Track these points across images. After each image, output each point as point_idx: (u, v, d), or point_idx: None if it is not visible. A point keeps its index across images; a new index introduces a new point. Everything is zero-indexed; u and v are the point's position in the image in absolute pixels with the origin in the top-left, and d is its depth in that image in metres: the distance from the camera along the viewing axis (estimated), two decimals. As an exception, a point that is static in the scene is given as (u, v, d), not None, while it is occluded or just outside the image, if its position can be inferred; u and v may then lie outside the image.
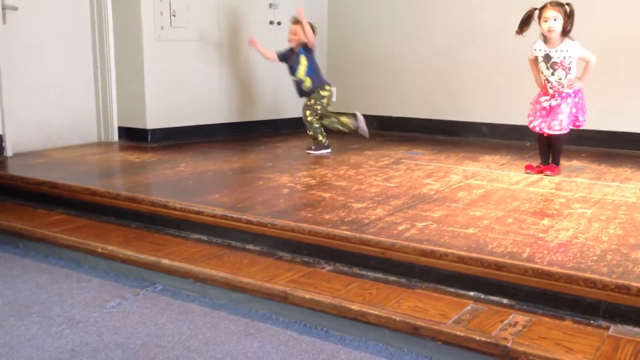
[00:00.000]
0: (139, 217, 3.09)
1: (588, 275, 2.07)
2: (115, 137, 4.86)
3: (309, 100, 4.51)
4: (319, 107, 4.49)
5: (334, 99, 6.26)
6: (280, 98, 5.77)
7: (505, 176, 3.75)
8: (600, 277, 2.05)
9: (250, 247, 2.74)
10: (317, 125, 4.53)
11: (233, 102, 5.31)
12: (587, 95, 5.04)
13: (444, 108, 5.62)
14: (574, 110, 3.67)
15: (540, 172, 3.81)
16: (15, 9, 4.20)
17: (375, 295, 2.23)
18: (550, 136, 3.74)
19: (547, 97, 3.71)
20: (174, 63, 4.84)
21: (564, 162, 4.27)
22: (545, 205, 3.02)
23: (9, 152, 4.15)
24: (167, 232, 2.97)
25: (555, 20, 3.52)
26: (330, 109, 4.61)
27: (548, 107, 3.71)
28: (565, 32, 3.57)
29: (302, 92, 4.53)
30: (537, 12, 3.58)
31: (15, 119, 4.22)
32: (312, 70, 4.45)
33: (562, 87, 3.65)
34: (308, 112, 4.50)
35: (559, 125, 3.66)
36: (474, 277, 2.24)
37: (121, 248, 2.74)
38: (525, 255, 2.27)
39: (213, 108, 5.12)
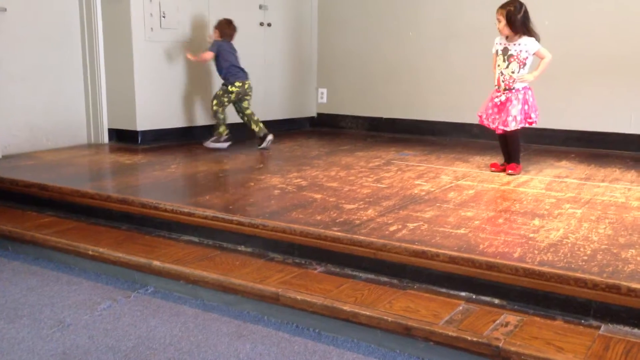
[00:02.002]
0: (129, 219, 3.08)
1: (579, 275, 2.08)
2: (106, 139, 4.84)
3: (219, 91, 4.70)
4: (226, 99, 4.67)
5: (323, 100, 6.27)
6: (270, 100, 5.77)
7: (496, 177, 3.76)
8: (590, 276, 2.06)
9: (241, 248, 2.74)
10: (221, 116, 4.72)
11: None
12: (577, 95, 5.08)
13: (434, 109, 5.64)
14: (525, 107, 3.74)
15: (503, 170, 3.88)
16: (4, 10, 4.17)
17: (367, 296, 2.23)
18: (505, 133, 3.80)
19: (499, 93, 3.78)
20: (164, 64, 4.82)
21: (553, 162, 4.30)
22: (535, 206, 3.04)
23: (-3, 154, 4.12)
24: (158, 234, 2.95)
25: (499, 21, 3.70)
26: (251, 107, 4.82)
27: (499, 103, 3.78)
28: (518, 30, 3.68)
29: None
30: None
31: (4, 121, 4.19)
32: (220, 69, 4.68)
33: (513, 81, 3.72)
34: (215, 102, 4.69)
35: (514, 122, 3.72)
36: (465, 277, 2.25)
37: (112, 250, 2.72)
38: (516, 255, 2.28)
39: (203, 110, 5.10)
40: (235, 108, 4.77)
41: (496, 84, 3.81)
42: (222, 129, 4.71)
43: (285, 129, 5.91)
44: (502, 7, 3.72)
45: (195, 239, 2.86)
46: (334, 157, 4.39)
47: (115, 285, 2.63)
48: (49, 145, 4.57)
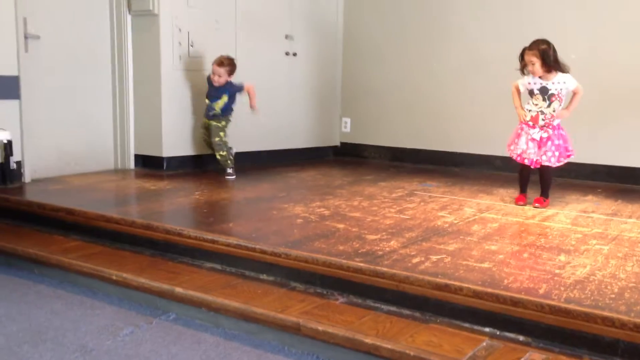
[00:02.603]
0: (153, 245, 3.11)
1: (606, 313, 2.04)
2: (132, 165, 4.91)
3: (220, 122, 4.70)
4: (227, 131, 4.73)
5: (347, 129, 6.31)
6: (293, 128, 5.82)
7: (520, 210, 3.73)
8: (618, 315, 2.02)
9: (263, 277, 2.74)
10: (230, 146, 4.73)
11: (247, 131, 5.35)
12: (603, 128, 5.05)
13: (458, 140, 5.63)
14: (561, 142, 3.75)
15: (523, 201, 3.88)
16: (38, 37, 4.29)
17: (389, 329, 2.21)
18: (542, 168, 3.78)
19: (537, 130, 3.75)
20: (191, 92, 4.90)
21: (579, 197, 4.25)
22: (561, 241, 3.00)
23: (27, 178, 4.19)
24: (182, 260, 2.97)
25: (533, 63, 3.66)
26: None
27: (539, 139, 3.75)
28: (551, 68, 3.66)
29: (208, 116, 4.71)
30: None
31: (34, 146, 4.27)
32: (227, 108, 4.70)
33: (553, 119, 3.71)
34: (222, 134, 4.70)
35: (562, 157, 3.73)
36: (489, 312, 2.22)
37: (135, 275, 2.74)
38: (541, 291, 2.25)
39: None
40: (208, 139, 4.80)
41: (529, 120, 3.77)
42: (231, 159, 4.74)
43: (309, 157, 5.94)
44: (533, 48, 3.66)
45: (218, 267, 2.87)
46: (357, 187, 4.40)
47: (138, 310, 2.64)
48: (76, 170, 4.65)
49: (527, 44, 3.72)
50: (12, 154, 4.03)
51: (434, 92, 5.74)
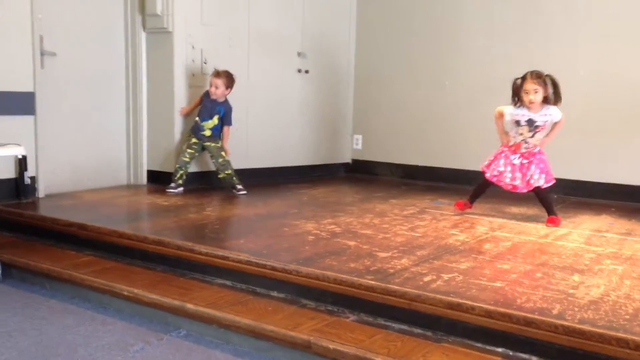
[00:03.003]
0: (165, 261, 3.11)
1: (620, 334, 2.01)
2: (144, 180, 4.94)
3: (217, 143, 4.70)
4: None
5: (358, 146, 6.31)
6: (305, 145, 5.84)
7: (533, 229, 3.70)
8: (632, 337, 1.99)
9: (274, 293, 2.73)
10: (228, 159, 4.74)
11: (259, 148, 5.38)
12: (617, 148, 5.02)
13: (469, 158, 5.61)
14: (542, 165, 3.80)
15: (462, 209, 4.04)
16: (54, 54, 4.35)
17: (400, 348, 2.19)
18: (536, 191, 3.83)
19: (517, 156, 3.81)
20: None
21: (592, 216, 4.22)
22: (574, 260, 2.97)
23: (41, 193, 4.23)
24: (193, 276, 2.97)
25: (536, 92, 3.66)
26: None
27: (519, 165, 3.80)
28: (549, 101, 3.69)
29: (200, 136, 4.66)
30: (519, 81, 3.71)
31: (48, 161, 4.31)
32: (217, 128, 4.68)
33: (534, 147, 3.79)
34: (223, 153, 4.70)
35: (547, 177, 3.79)
36: (502, 332, 2.20)
37: (147, 291, 2.74)
38: (555, 311, 2.22)
39: (239, 153, 5.17)
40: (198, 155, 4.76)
41: (512, 146, 3.83)
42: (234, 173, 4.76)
43: (320, 174, 5.96)
44: (536, 75, 3.64)
45: (229, 283, 2.87)
46: (368, 204, 4.39)
47: (149, 326, 2.64)
48: (89, 185, 4.68)
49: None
50: (26, 169, 4.07)
51: (446, 110, 5.74)
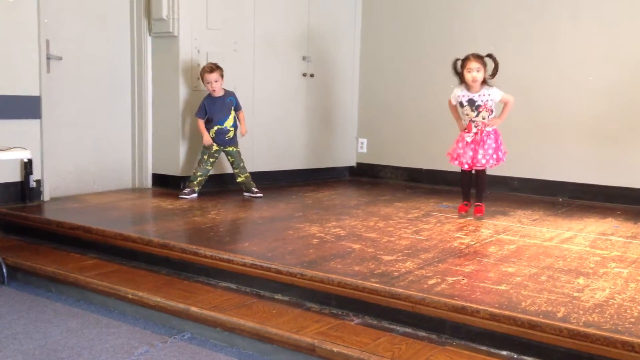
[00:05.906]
0: (169, 264, 3.12)
1: (626, 337, 2.00)
2: (149, 184, 4.96)
3: (237, 147, 4.72)
4: None
5: (363, 150, 6.31)
6: (310, 148, 5.84)
7: (538, 232, 3.69)
8: (638, 340, 1.98)
9: (278, 296, 2.73)
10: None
11: (264, 151, 5.38)
12: (623, 151, 5.00)
13: (475, 161, 5.60)
14: (494, 146, 3.96)
15: (465, 211, 4.10)
16: (60, 58, 4.37)
17: (404, 351, 2.19)
18: (477, 171, 4.03)
19: (471, 134, 3.98)
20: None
21: (598, 219, 4.20)
22: (579, 264, 2.96)
23: (46, 196, 4.25)
24: (197, 279, 2.98)
25: (478, 71, 3.89)
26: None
27: (471, 142, 3.98)
28: (485, 81, 3.92)
29: (224, 141, 4.65)
30: (459, 62, 3.94)
31: (53, 164, 4.33)
32: (235, 127, 4.68)
33: (485, 126, 3.96)
34: (243, 157, 4.73)
35: (492, 160, 3.97)
36: (506, 335, 2.19)
37: (151, 294, 2.75)
38: (560, 314, 2.21)
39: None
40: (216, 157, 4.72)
41: (466, 128, 4.01)
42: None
43: (325, 177, 5.96)
44: (478, 56, 3.89)
45: (233, 286, 2.87)
46: (372, 207, 4.39)
47: (153, 329, 2.65)
48: (95, 189, 4.70)
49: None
50: (32, 173, 4.09)
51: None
